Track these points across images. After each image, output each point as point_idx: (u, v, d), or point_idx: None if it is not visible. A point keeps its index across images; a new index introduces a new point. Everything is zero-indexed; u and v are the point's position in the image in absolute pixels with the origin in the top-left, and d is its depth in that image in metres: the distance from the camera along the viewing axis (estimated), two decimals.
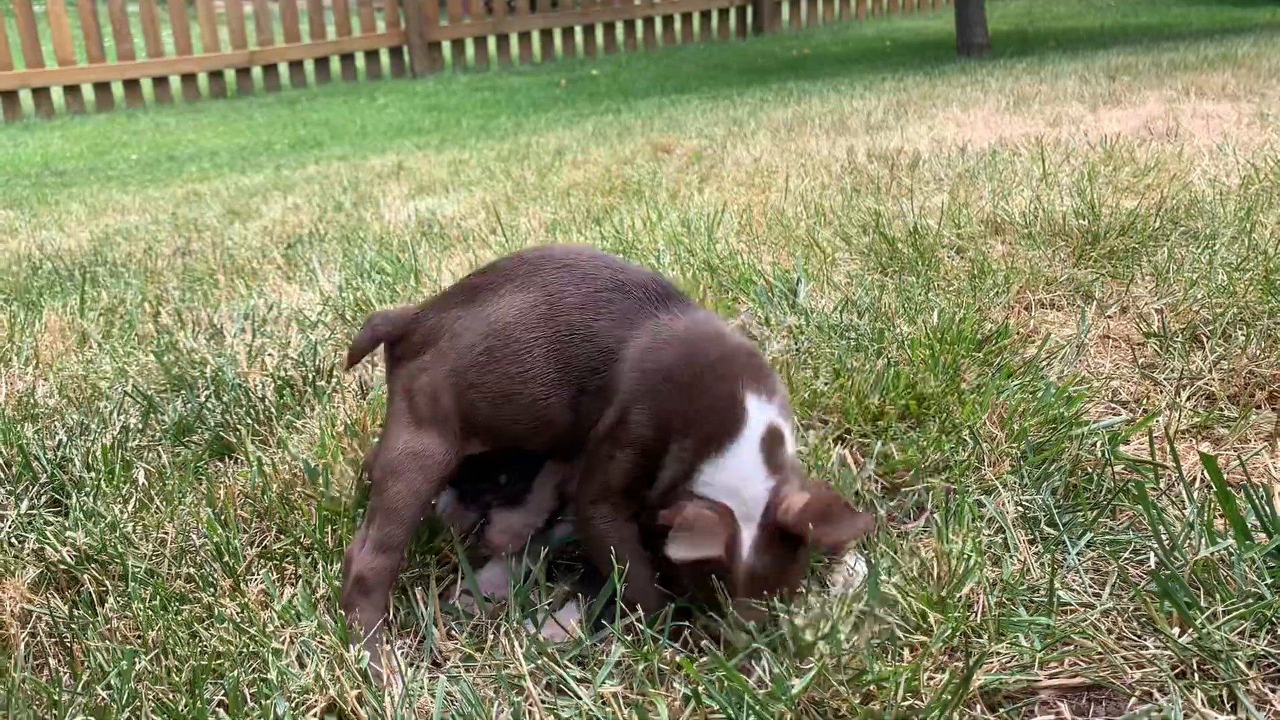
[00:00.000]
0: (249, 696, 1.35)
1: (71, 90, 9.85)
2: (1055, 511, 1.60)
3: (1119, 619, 1.39)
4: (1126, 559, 1.50)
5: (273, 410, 2.18)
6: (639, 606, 1.42)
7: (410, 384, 1.54)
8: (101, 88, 9.96)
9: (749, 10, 12.77)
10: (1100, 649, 1.33)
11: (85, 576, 1.62)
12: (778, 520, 1.38)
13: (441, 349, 1.53)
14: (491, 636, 1.44)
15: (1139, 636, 1.36)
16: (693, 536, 1.33)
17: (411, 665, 1.39)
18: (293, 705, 1.32)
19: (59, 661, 1.46)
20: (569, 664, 1.37)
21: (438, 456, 1.49)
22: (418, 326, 1.57)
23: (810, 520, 1.34)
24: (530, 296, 1.50)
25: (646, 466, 1.45)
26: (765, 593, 1.37)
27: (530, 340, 1.48)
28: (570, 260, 1.54)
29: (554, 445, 1.56)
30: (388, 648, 1.40)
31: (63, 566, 1.64)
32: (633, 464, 1.44)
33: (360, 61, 11.03)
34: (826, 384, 2.07)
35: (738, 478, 1.41)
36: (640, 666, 1.34)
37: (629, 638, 1.40)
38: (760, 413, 1.43)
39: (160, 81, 10.21)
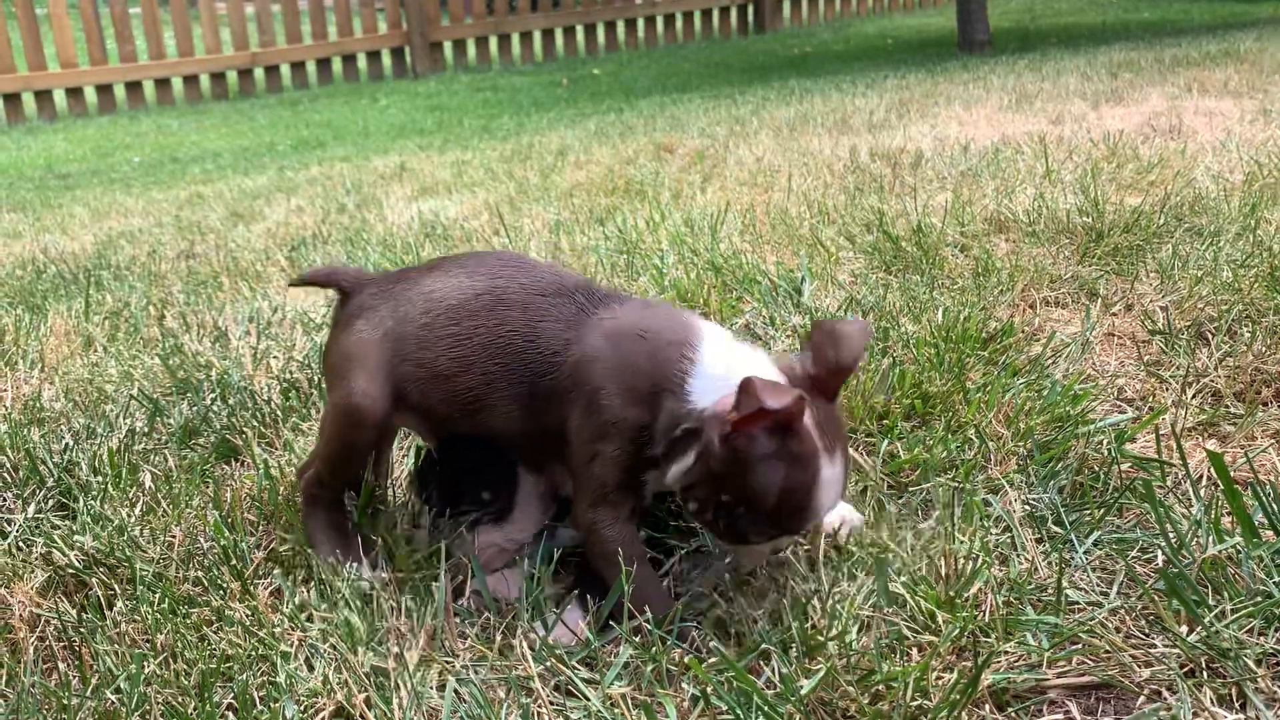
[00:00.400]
0: (258, 700, 1.35)
1: (74, 93, 9.87)
2: (1062, 510, 1.60)
3: (1127, 617, 1.39)
4: (1134, 557, 1.50)
5: (278, 413, 2.19)
6: (647, 609, 1.42)
7: (347, 342, 1.59)
8: (104, 90, 9.98)
9: (750, 8, 12.77)
10: (1108, 648, 1.33)
11: (93, 580, 1.62)
12: (818, 368, 1.40)
13: (382, 315, 1.58)
14: (500, 637, 1.44)
15: (1147, 635, 1.35)
16: (765, 391, 1.28)
17: (421, 665, 1.39)
18: (301, 708, 1.32)
19: (68, 665, 1.47)
20: (577, 665, 1.37)
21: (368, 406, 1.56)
22: (369, 288, 1.62)
23: (838, 352, 1.38)
24: (476, 284, 1.53)
25: (635, 453, 1.44)
26: (840, 458, 1.38)
27: (469, 328, 1.51)
28: (518, 261, 1.58)
29: (501, 442, 1.57)
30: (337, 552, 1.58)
31: (71, 570, 1.65)
32: (620, 453, 1.44)
33: (362, 62, 11.04)
34: None
35: (726, 361, 1.42)
36: (649, 668, 1.35)
37: (637, 639, 1.40)
38: (715, 327, 1.49)
39: (163, 83, 10.23)
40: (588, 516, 1.47)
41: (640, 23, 12.20)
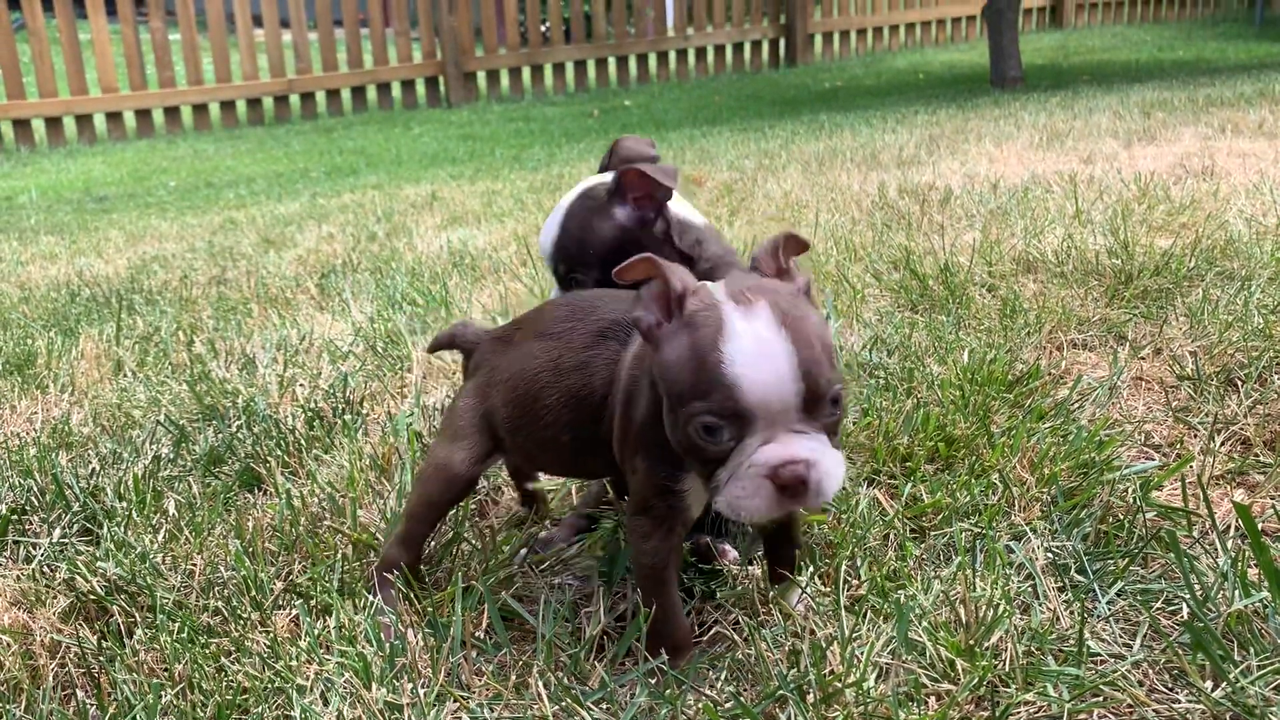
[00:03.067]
0: None
1: (114, 117, 10.04)
2: (1085, 559, 1.58)
3: (1150, 671, 1.36)
4: (1158, 609, 1.48)
5: (302, 442, 2.20)
6: (665, 645, 1.42)
7: (456, 401, 1.66)
8: (143, 114, 10.15)
9: (781, 42, 12.84)
10: (1131, 701, 1.30)
11: (114, 607, 1.63)
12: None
13: (481, 380, 1.64)
14: (516, 675, 1.44)
15: (1171, 689, 1.33)
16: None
17: (436, 702, 1.39)
18: None
19: (86, 693, 1.47)
20: (592, 705, 1.37)
21: (460, 470, 1.59)
22: (479, 349, 1.69)
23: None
24: (546, 344, 1.54)
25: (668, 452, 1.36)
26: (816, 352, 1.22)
27: (544, 385, 1.52)
28: (574, 304, 1.57)
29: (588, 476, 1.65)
30: (393, 618, 1.54)
31: (92, 597, 1.66)
32: (651, 459, 1.38)
33: (397, 91, 11.18)
34: (854, 423, 2.06)
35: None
36: (664, 710, 1.34)
37: (653, 681, 1.39)
38: None
39: (200, 109, 10.40)
40: (630, 524, 1.46)
41: (672, 55, 12.29)
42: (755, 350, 1.19)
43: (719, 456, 1.24)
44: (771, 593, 1.58)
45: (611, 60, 12.05)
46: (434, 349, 1.82)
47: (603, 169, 1.84)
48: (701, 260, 1.73)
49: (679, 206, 1.75)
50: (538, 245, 1.78)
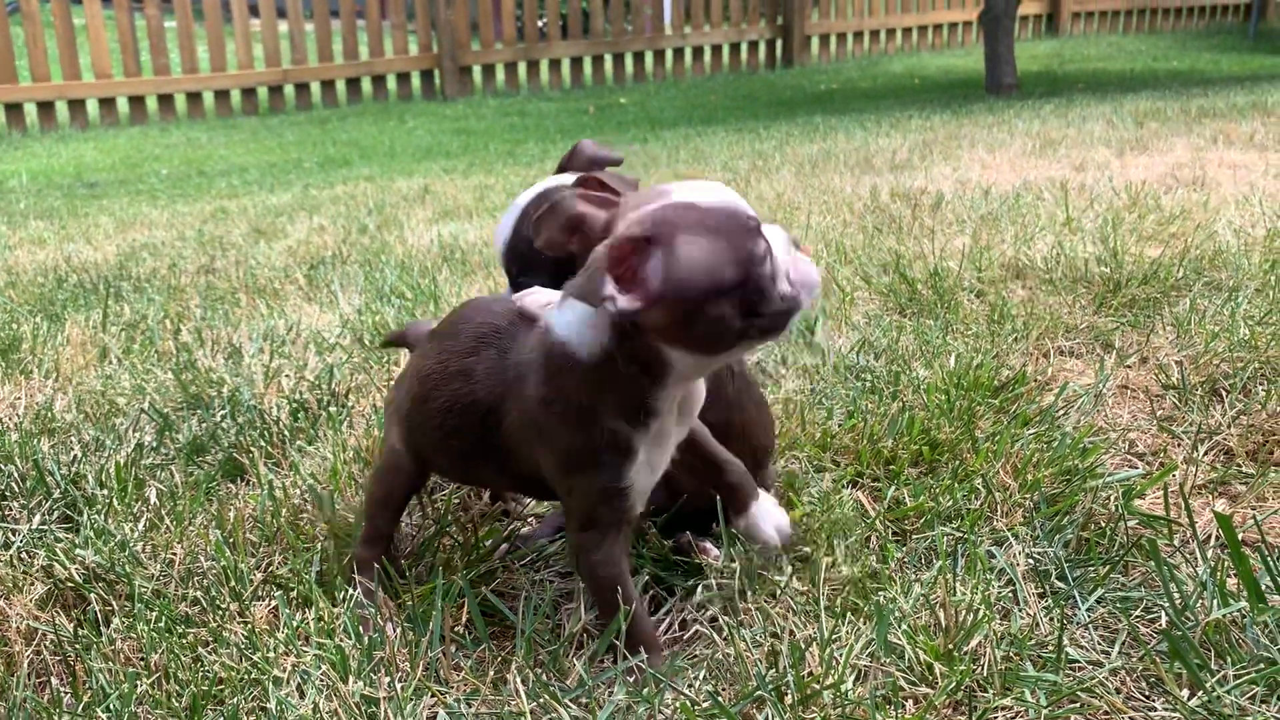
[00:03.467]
0: None
1: (107, 103, 9.99)
2: (1066, 566, 1.58)
3: (1128, 678, 1.37)
4: (1137, 617, 1.48)
5: (286, 433, 2.19)
6: (641, 646, 1.42)
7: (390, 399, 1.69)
8: (136, 101, 10.10)
9: (778, 43, 12.84)
10: (1108, 708, 1.31)
11: (92, 595, 1.62)
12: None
13: (401, 377, 1.67)
14: (494, 671, 1.44)
15: (1148, 697, 1.34)
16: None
17: (413, 697, 1.38)
18: None
19: (61, 681, 1.46)
20: (570, 704, 1.36)
21: (406, 468, 1.62)
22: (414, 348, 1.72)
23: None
24: (438, 346, 1.55)
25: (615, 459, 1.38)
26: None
27: (433, 387, 1.52)
28: (470, 305, 1.58)
29: (501, 488, 1.66)
30: (372, 611, 1.53)
31: (70, 584, 1.65)
32: (595, 470, 1.38)
33: (392, 83, 11.15)
34: (840, 425, 2.06)
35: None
36: (642, 709, 1.33)
37: (631, 680, 1.39)
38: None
39: (194, 97, 10.35)
40: (576, 541, 1.45)
41: (669, 54, 12.28)
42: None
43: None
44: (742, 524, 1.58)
45: (608, 57, 12.04)
46: (385, 345, 1.83)
47: (561, 169, 1.83)
48: None
49: None
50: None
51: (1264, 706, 1.28)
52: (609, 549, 1.42)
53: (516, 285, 1.70)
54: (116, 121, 10.02)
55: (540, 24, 11.87)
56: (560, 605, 1.61)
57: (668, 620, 1.56)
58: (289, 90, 10.78)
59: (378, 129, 9.60)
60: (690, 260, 1.25)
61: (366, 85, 11.08)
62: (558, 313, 1.37)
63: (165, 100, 10.23)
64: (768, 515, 1.58)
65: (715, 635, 1.49)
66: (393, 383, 1.77)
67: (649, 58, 12.22)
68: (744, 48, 12.68)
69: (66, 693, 1.42)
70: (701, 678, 1.41)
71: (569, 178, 1.72)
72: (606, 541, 1.42)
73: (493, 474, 1.56)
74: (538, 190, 1.74)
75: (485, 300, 1.58)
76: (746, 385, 1.68)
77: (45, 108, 9.72)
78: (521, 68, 11.62)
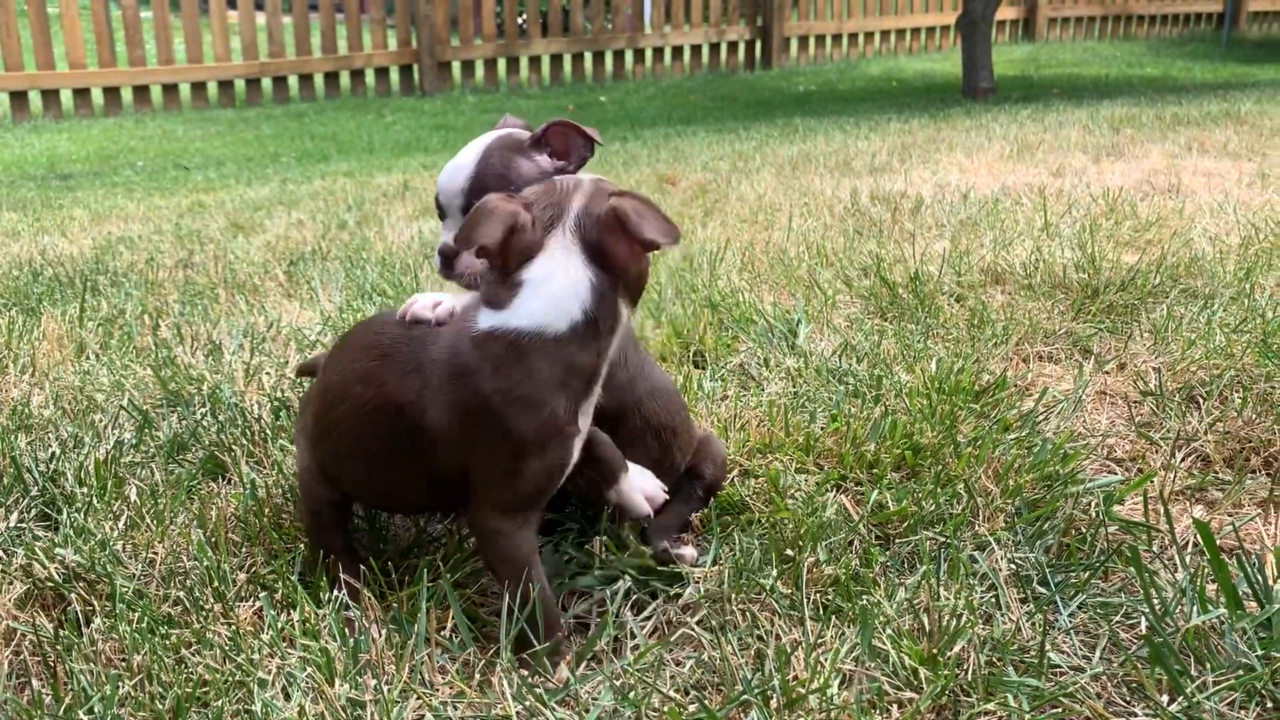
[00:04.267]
0: None
1: (81, 93, 9.88)
2: (1048, 571, 1.60)
3: (1109, 684, 1.38)
4: (1118, 622, 1.50)
5: (268, 431, 2.18)
6: (549, 633, 1.47)
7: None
8: (111, 92, 10.00)
9: (757, 44, 12.87)
10: (1089, 713, 1.32)
11: (73, 595, 1.61)
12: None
13: (307, 399, 1.72)
14: (480, 674, 1.43)
15: (1128, 702, 1.35)
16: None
17: (399, 699, 1.38)
18: None
19: (42, 682, 1.45)
20: (556, 706, 1.36)
21: (319, 486, 1.65)
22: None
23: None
24: (341, 357, 1.60)
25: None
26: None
27: (339, 400, 1.55)
28: (360, 327, 1.64)
29: (408, 499, 1.65)
30: (357, 614, 1.53)
31: (50, 584, 1.63)
32: (550, 449, 1.45)
33: (370, 78, 11.09)
34: (823, 428, 2.07)
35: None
36: (628, 711, 1.34)
37: (618, 683, 1.39)
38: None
39: (170, 89, 10.26)
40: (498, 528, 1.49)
41: (648, 53, 12.28)
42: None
43: None
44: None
45: (588, 55, 12.03)
46: (300, 374, 1.83)
47: None
48: None
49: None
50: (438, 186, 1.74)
51: (1242, 712, 1.30)
52: (528, 532, 1.49)
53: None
54: (91, 112, 9.91)
55: (520, 21, 11.85)
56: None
57: (652, 623, 1.57)
58: (266, 83, 10.71)
59: (356, 124, 9.55)
60: (658, 217, 1.41)
61: (345, 79, 11.02)
62: (510, 309, 1.43)
63: (141, 91, 10.13)
64: (637, 485, 1.63)
65: (702, 638, 1.50)
66: (298, 407, 1.79)
67: (629, 56, 12.22)
68: (723, 48, 12.70)
69: (47, 694, 1.41)
70: (688, 681, 1.41)
71: (519, 130, 1.74)
72: (529, 525, 1.49)
73: (403, 477, 1.54)
74: (498, 133, 1.73)
75: (378, 317, 1.62)
76: (641, 370, 1.73)
77: (18, 97, 9.61)
78: (501, 64, 11.59)
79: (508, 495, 1.46)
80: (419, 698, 1.39)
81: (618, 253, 1.43)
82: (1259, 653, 1.36)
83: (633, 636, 1.52)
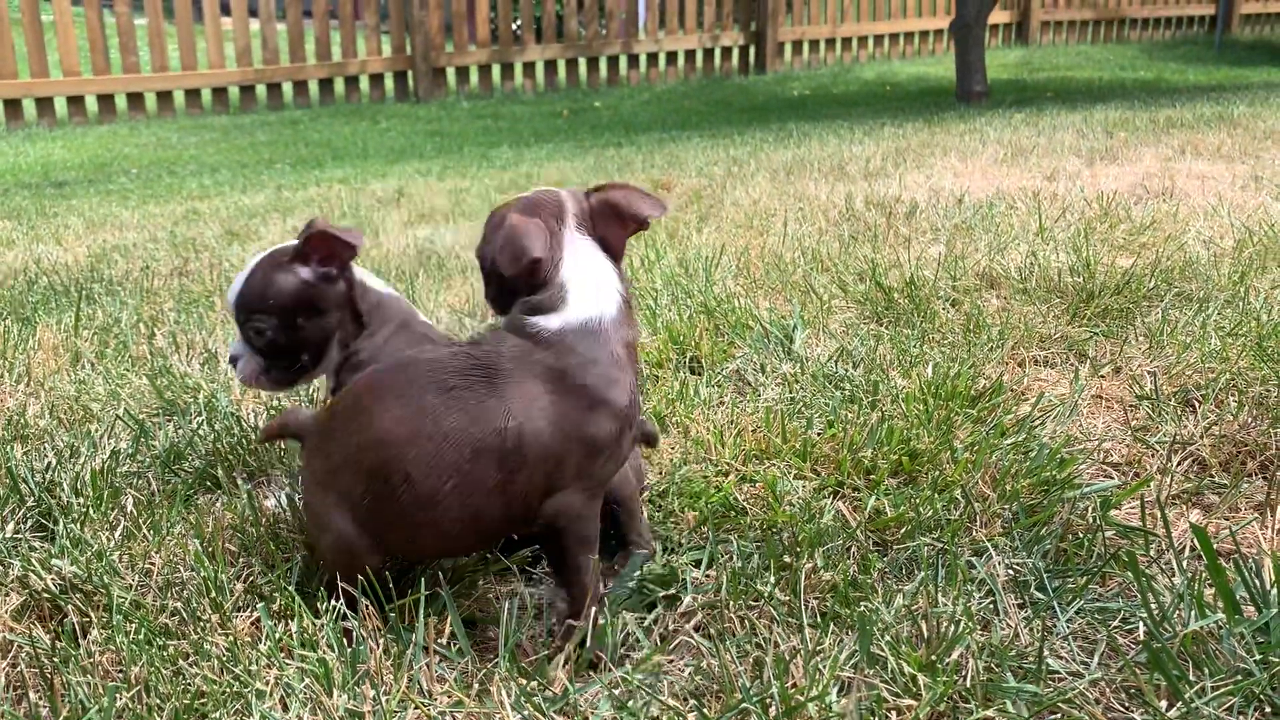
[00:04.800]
0: None
1: (75, 101, 9.87)
2: (1045, 576, 1.60)
3: (1107, 689, 1.38)
4: (1115, 627, 1.50)
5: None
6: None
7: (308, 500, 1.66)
8: (105, 99, 9.99)
9: (751, 49, 12.89)
10: (1088, 719, 1.32)
11: (69, 606, 1.60)
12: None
13: (318, 468, 1.65)
14: (478, 684, 1.43)
15: (1127, 708, 1.35)
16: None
17: (397, 710, 1.38)
18: None
19: (39, 695, 1.45)
20: (556, 716, 1.36)
21: (366, 554, 1.59)
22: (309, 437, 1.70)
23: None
24: (395, 403, 1.59)
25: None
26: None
27: (417, 449, 1.55)
28: (392, 368, 1.64)
29: (486, 538, 1.62)
30: (355, 623, 1.52)
31: (46, 595, 1.63)
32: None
33: (364, 84, 11.09)
34: (819, 434, 2.08)
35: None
36: None
37: (616, 691, 1.39)
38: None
39: (164, 96, 10.25)
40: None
41: (642, 58, 12.30)
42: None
43: None
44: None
45: (582, 61, 12.04)
46: (267, 439, 1.71)
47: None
48: (378, 323, 1.88)
49: (363, 273, 1.91)
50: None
51: (1241, 718, 1.30)
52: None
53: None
54: (85, 120, 9.90)
55: (515, 27, 11.86)
56: (541, 615, 1.61)
57: (650, 631, 1.57)
58: (260, 90, 10.71)
59: (350, 130, 9.55)
60: (644, 195, 1.62)
61: (339, 86, 11.02)
62: (569, 306, 1.52)
63: (135, 99, 10.12)
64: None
65: (701, 645, 1.50)
66: (300, 482, 1.65)
67: (623, 62, 12.23)
68: (717, 53, 12.73)
69: (45, 707, 1.40)
70: (686, 689, 1.41)
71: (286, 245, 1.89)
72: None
73: (485, 508, 1.48)
74: (271, 250, 1.89)
75: (408, 357, 1.57)
76: None
77: (12, 105, 9.59)
78: (496, 70, 11.60)
79: (596, 477, 1.51)
80: (417, 707, 1.38)
81: (616, 239, 1.59)
82: (1257, 658, 1.36)
83: (635, 643, 1.52)
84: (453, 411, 1.45)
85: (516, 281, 1.53)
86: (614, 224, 1.57)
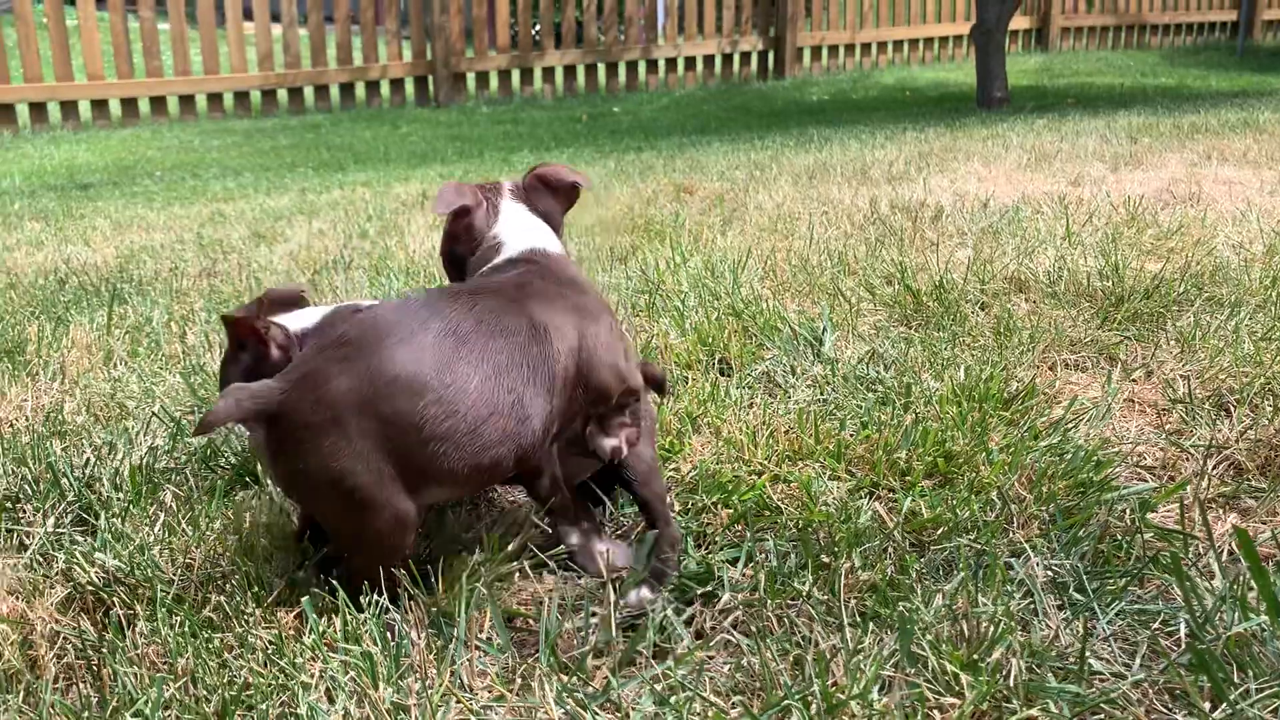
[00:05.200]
0: None
1: (99, 104, 9.95)
2: (1085, 577, 1.60)
3: (1149, 691, 1.38)
4: (1155, 629, 1.50)
5: None
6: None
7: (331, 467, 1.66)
8: (128, 103, 10.06)
9: (770, 55, 12.89)
10: None
11: (113, 599, 1.62)
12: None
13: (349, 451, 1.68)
14: (520, 679, 1.44)
15: (1170, 710, 1.35)
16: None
17: (441, 703, 1.39)
18: None
19: (87, 685, 1.46)
20: (598, 710, 1.37)
21: (413, 521, 1.65)
22: (284, 409, 1.78)
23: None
24: (415, 358, 1.67)
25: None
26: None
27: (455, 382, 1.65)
28: (411, 300, 1.76)
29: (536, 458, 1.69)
30: (396, 618, 1.54)
31: (90, 588, 1.65)
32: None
33: (385, 89, 11.13)
34: (853, 436, 2.08)
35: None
36: (669, 717, 1.34)
37: (659, 687, 1.39)
38: None
39: (187, 99, 10.31)
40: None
41: (661, 64, 12.31)
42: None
43: None
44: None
45: (601, 66, 12.06)
46: (203, 431, 1.44)
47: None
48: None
49: (298, 319, 1.92)
50: None
51: None
52: None
53: None
54: (109, 123, 9.97)
55: (534, 32, 11.90)
56: (583, 610, 1.61)
57: (689, 628, 1.57)
58: (282, 94, 10.76)
59: (371, 134, 9.59)
60: (569, 169, 1.88)
61: (360, 91, 11.07)
62: (506, 250, 1.75)
63: (158, 102, 10.19)
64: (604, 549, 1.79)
65: (742, 643, 1.50)
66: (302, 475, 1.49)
67: (642, 67, 12.25)
68: (736, 59, 12.73)
69: (94, 697, 1.42)
70: (728, 686, 1.42)
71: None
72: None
73: (533, 406, 1.53)
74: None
75: (377, 309, 1.60)
76: None
77: (38, 108, 9.68)
78: (515, 75, 11.63)
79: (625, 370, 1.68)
80: (459, 701, 1.39)
81: (553, 210, 1.83)
82: None
83: (675, 641, 1.53)
84: (475, 324, 1.54)
85: (459, 246, 1.80)
86: (545, 195, 1.83)
